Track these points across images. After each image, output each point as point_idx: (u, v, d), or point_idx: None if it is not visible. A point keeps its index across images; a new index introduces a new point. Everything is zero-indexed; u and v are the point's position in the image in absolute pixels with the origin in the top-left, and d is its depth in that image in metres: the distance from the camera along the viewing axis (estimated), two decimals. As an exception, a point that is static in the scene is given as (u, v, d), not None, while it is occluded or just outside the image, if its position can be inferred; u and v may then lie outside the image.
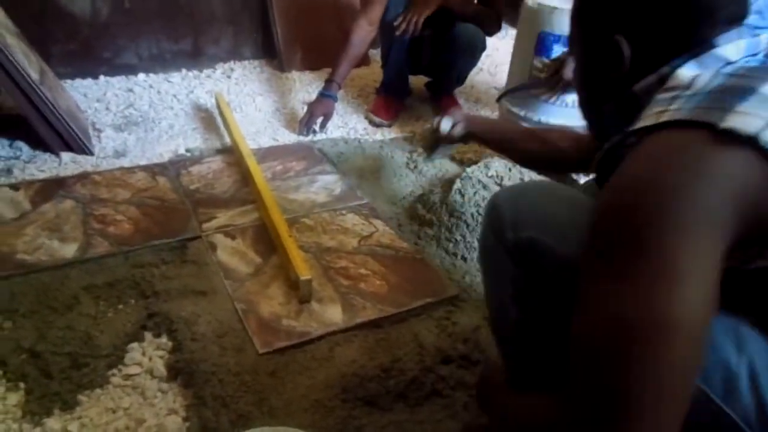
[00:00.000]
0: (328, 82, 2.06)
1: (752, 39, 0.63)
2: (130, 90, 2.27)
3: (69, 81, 2.26)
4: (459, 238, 1.49)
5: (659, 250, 0.48)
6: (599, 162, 0.64)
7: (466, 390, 1.08)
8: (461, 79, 2.27)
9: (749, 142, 0.49)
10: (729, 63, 0.61)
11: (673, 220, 0.48)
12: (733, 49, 0.61)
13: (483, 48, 2.13)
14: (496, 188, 1.59)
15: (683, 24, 0.63)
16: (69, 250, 1.36)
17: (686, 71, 0.61)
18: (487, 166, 1.69)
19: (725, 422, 0.55)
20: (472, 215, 1.52)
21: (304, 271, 1.25)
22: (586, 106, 0.81)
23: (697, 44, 0.63)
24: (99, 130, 1.96)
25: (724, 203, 0.49)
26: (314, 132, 2.05)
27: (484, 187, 1.59)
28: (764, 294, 0.57)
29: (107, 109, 2.12)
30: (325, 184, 1.74)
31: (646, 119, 0.57)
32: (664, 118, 0.55)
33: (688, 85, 0.58)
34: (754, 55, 0.63)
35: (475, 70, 2.36)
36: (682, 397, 0.49)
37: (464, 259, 1.46)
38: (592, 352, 0.51)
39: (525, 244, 0.73)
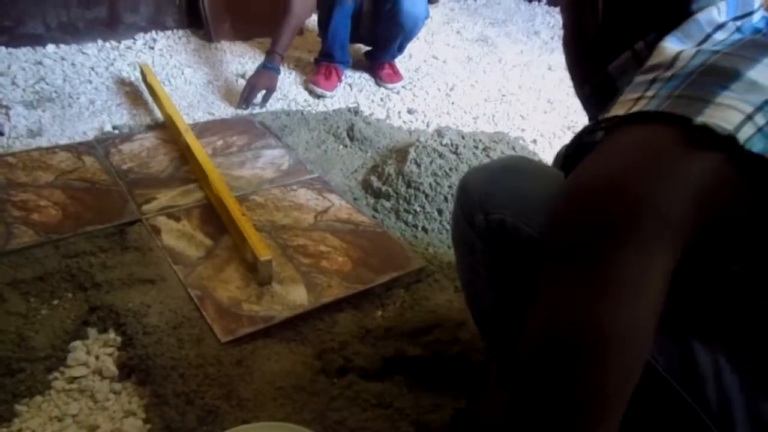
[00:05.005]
0: (270, 53, 1.94)
1: None
2: (39, 63, 2.03)
3: (-36, 53, 2.00)
4: (418, 209, 1.45)
5: (614, 264, 0.46)
6: (566, 156, 0.57)
7: (437, 365, 1.04)
8: (402, 47, 2.20)
9: (726, 141, 0.45)
10: (719, 27, 0.55)
11: (633, 233, 0.46)
12: (714, 11, 0.55)
13: (426, 16, 2.07)
14: (453, 157, 1.56)
15: None
16: (-14, 243, 1.20)
17: (669, 45, 0.54)
18: (440, 134, 1.65)
19: (687, 413, 0.54)
20: (430, 185, 1.48)
21: (262, 251, 1.16)
22: (576, 89, 0.72)
23: (673, 12, 0.56)
24: (7, 107, 1.74)
25: (688, 214, 0.46)
26: (254, 106, 1.92)
27: (440, 155, 1.55)
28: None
29: (14, 84, 1.88)
30: (272, 159, 1.63)
31: (619, 106, 0.52)
32: (636, 108, 0.49)
33: (669, 65, 0.52)
34: (747, 15, 0.57)
35: (411, 39, 2.30)
36: (618, 407, 0.47)
37: (425, 230, 1.41)
38: (536, 353, 0.49)
39: (495, 226, 0.71)
